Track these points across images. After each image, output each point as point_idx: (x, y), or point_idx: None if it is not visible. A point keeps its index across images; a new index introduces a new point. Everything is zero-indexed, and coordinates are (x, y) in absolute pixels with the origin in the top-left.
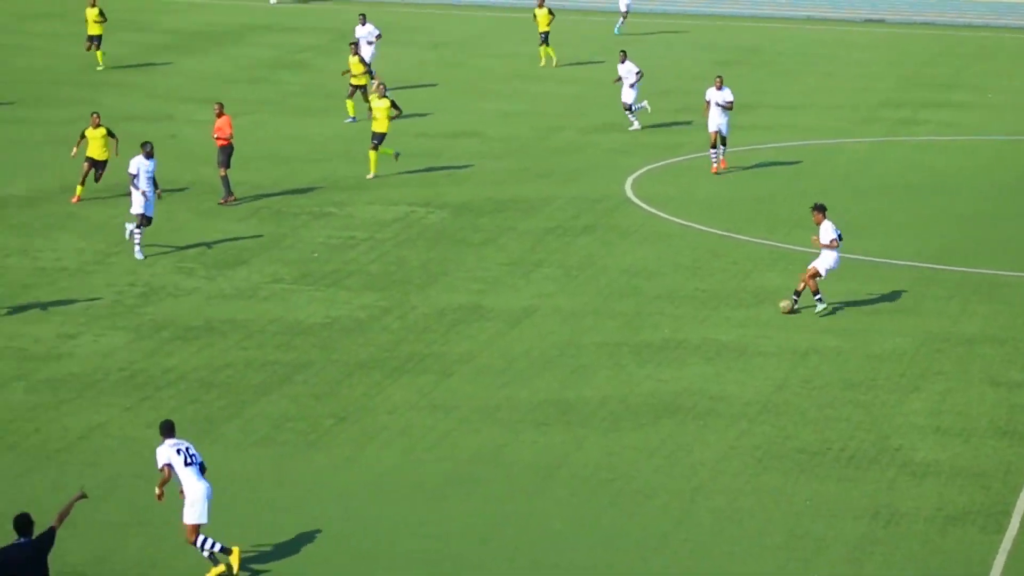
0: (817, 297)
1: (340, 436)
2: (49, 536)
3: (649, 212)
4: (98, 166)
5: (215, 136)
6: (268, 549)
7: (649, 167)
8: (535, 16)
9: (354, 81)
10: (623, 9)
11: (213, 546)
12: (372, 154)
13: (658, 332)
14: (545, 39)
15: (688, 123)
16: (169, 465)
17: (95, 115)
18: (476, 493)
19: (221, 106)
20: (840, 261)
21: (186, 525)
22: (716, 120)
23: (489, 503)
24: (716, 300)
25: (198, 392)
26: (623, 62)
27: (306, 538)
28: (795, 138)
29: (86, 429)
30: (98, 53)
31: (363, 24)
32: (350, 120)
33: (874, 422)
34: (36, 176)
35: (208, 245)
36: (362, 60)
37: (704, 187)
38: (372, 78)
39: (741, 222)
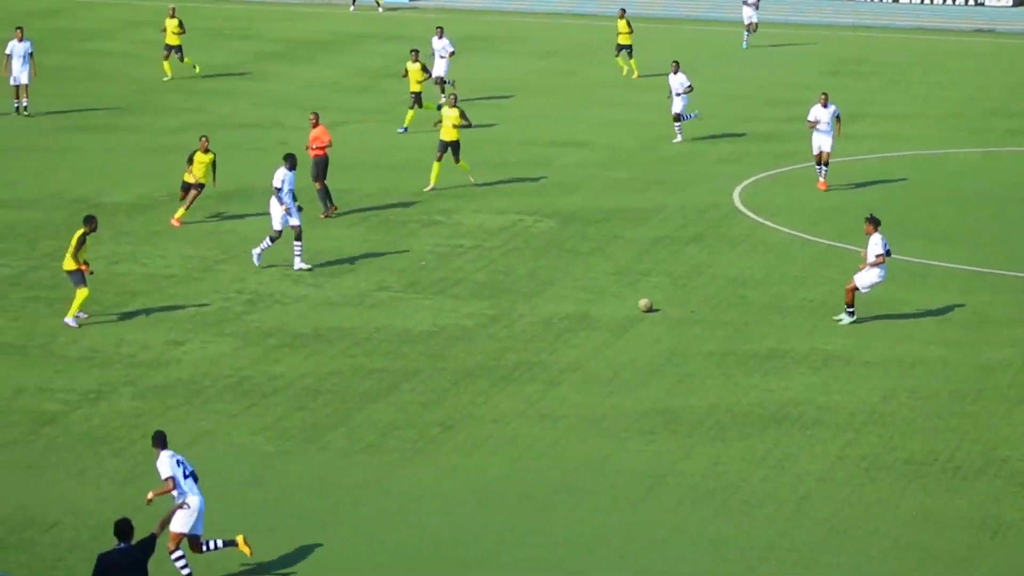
0: (849, 310)
1: (446, 444)
2: (150, 543)
3: (757, 221)
4: (197, 188)
5: (311, 147)
6: (374, 557)
7: (757, 177)
8: (617, 27)
9: (413, 88)
10: (746, 21)
11: (215, 545)
12: (435, 165)
13: (765, 342)
14: (623, 50)
15: (796, 133)
16: (172, 477)
17: (204, 139)
18: (582, 502)
19: (317, 116)
20: (885, 276)
21: (172, 532)
22: (820, 139)
23: (595, 512)
24: (823, 310)
25: (304, 399)
26: (675, 73)
27: (412, 547)
28: (903, 148)
29: (193, 436)
30: (187, 60)
31: (440, 37)
32: (401, 131)
33: (981, 433)
34: (144, 184)
35: (315, 252)
36: (424, 68)
37: (812, 197)
38: (443, 89)
39: (849, 232)
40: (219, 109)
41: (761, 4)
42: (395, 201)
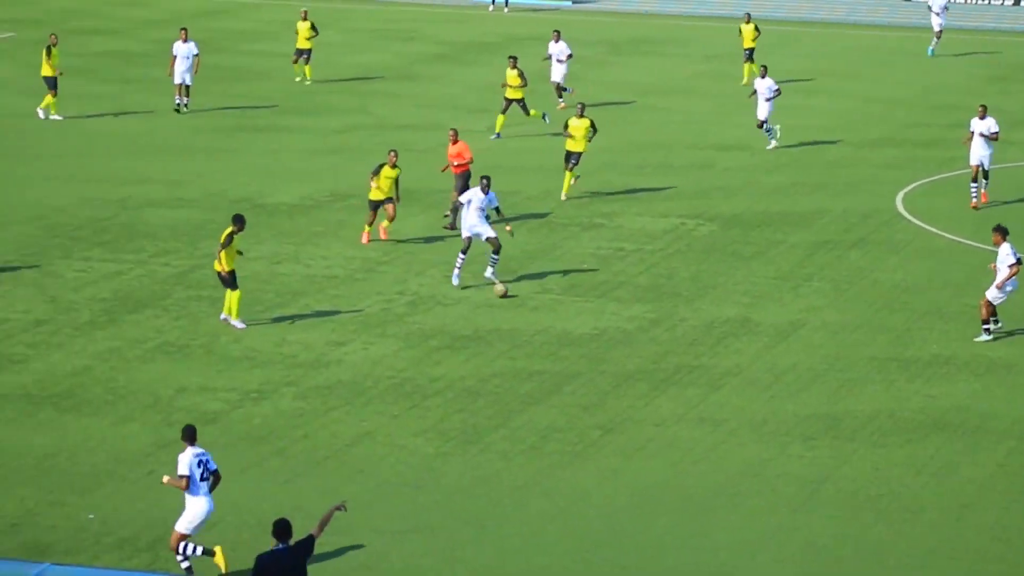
0: (986, 327)
1: (606, 447)
2: (308, 544)
3: (920, 227)
4: (380, 204)
5: (452, 164)
6: (533, 559)
7: (920, 182)
8: (740, 31)
9: (509, 95)
10: (936, 28)
11: (195, 551)
12: (568, 175)
13: (927, 347)
14: (750, 56)
15: (959, 139)
16: (188, 476)
17: (392, 153)
18: (742, 506)
19: (456, 132)
20: (1017, 285)
21: (175, 532)
22: (979, 152)
23: (755, 516)
24: None
25: (465, 401)
26: (763, 77)
27: (571, 549)
28: None
29: (354, 436)
30: (306, 68)
31: (556, 41)
32: (495, 137)
33: None
34: (306, 184)
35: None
36: (521, 74)
37: None
38: (560, 96)
39: (1013, 239)
40: (380, 110)
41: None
42: (557, 203)
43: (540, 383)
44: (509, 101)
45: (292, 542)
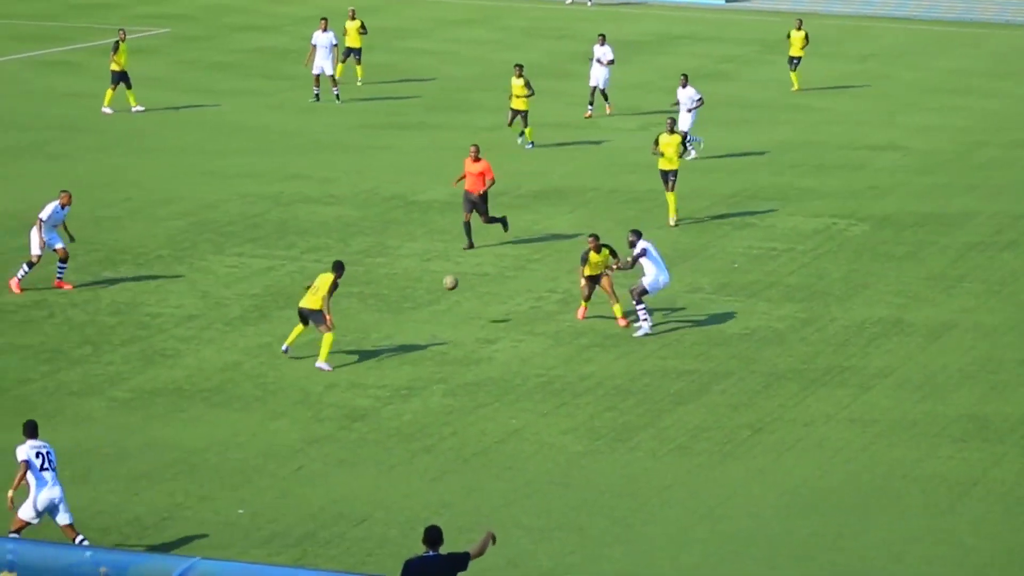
0: None
1: (755, 447)
2: (463, 560)
3: None
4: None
5: (464, 179)
6: (680, 558)
7: None
8: (789, 36)
9: (514, 105)
10: None
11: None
12: (671, 197)
13: None
14: (796, 63)
15: None
16: (27, 462)
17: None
18: (891, 507)
19: (477, 148)
20: None
21: (18, 516)
22: None
23: (904, 518)
24: None
25: (615, 399)
26: (684, 87)
27: (716, 548)
28: None
29: (503, 434)
30: (357, 68)
31: (602, 44)
32: (528, 146)
33: None
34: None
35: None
36: (528, 84)
37: None
38: (606, 98)
39: None
40: (532, 108)
41: None
42: (707, 202)
43: (690, 382)
44: (515, 112)
45: (443, 551)
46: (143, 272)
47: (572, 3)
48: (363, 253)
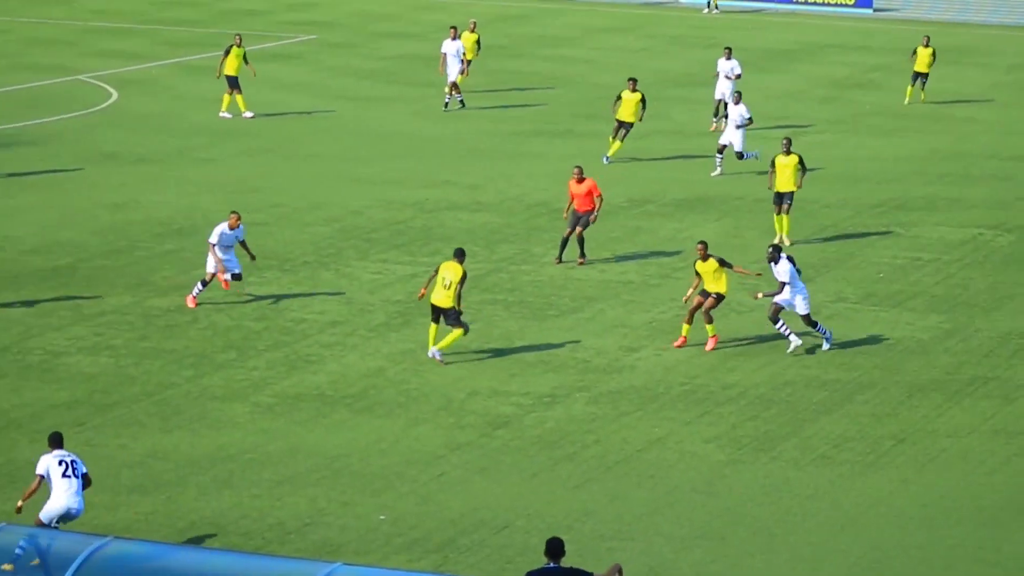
0: None
1: (898, 458)
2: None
3: None
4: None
5: (580, 207)
6: (821, 568)
7: None
8: (915, 53)
9: (623, 116)
10: None
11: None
12: (783, 219)
13: None
14: (921, 79)
15: None
16: (43, 476)
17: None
18: None
19: (581, 170)
20: None
21: (38, 517)
22: None
23: None
24: None
25: (758, 409)
26: (736, 103)
27: (858, 559)
28: None
29: (645, 442)
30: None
31: (728, 59)
32: (607, 161)
33: None
34: (604, 189)
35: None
36: (643, 100)
37: None
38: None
39: None
40: (679, 117)
41: None
42: (853, 212)
43: (833, 392)
44: (620, 124)
45: (566, 563)
46: (288, 277)
47: (708, 12)
48: (508, 260)
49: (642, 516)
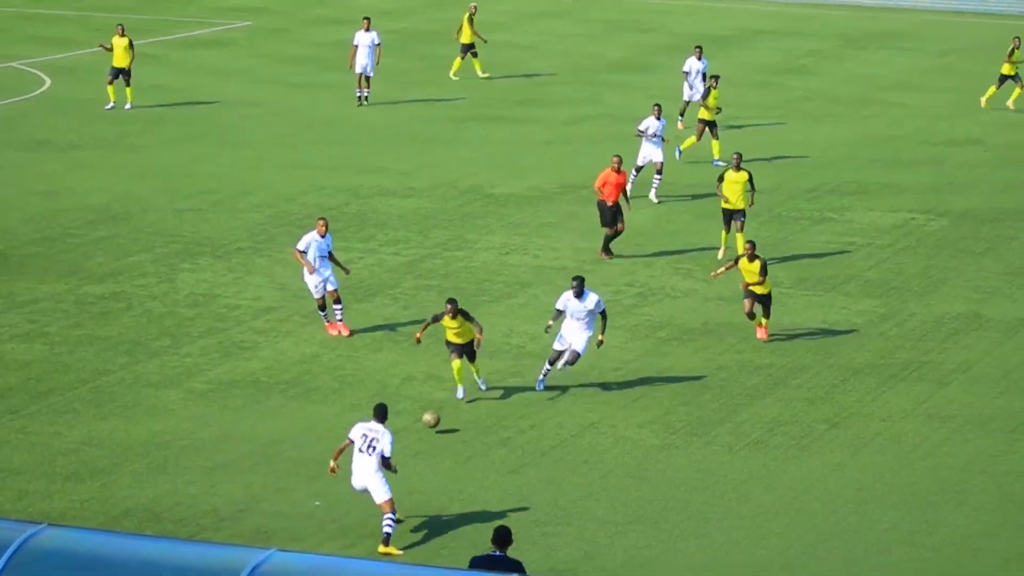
0: None
1: (832, 442)
2: (519, 569)
3: None
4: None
5: (602, 191)
6: (755, 553)
7: None
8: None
9: (704, 115)
10: None
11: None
12: (737, 237)
13: None
14: (1010, 80)
15: None
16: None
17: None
18: (968, 503)
19: (620, 160)
20: None
21: (387, 497)
22: None
23: (981, 513)
24: None
25: (691, 393)
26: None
27: (793, 542)
28: None
29: (579, 427)
30: (475, 62)
31: (699, 58)
32: (678, 154)
33: None
34: (536, 175)
35: (705, 249)
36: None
37: None
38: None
39: None
40: (612, 101)
41: None
42: (786, 196)
43: (767, 376)
44: (704, 123)
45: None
46: (221, 264)
47: None
48: (441, 246)
49: (577, 501)
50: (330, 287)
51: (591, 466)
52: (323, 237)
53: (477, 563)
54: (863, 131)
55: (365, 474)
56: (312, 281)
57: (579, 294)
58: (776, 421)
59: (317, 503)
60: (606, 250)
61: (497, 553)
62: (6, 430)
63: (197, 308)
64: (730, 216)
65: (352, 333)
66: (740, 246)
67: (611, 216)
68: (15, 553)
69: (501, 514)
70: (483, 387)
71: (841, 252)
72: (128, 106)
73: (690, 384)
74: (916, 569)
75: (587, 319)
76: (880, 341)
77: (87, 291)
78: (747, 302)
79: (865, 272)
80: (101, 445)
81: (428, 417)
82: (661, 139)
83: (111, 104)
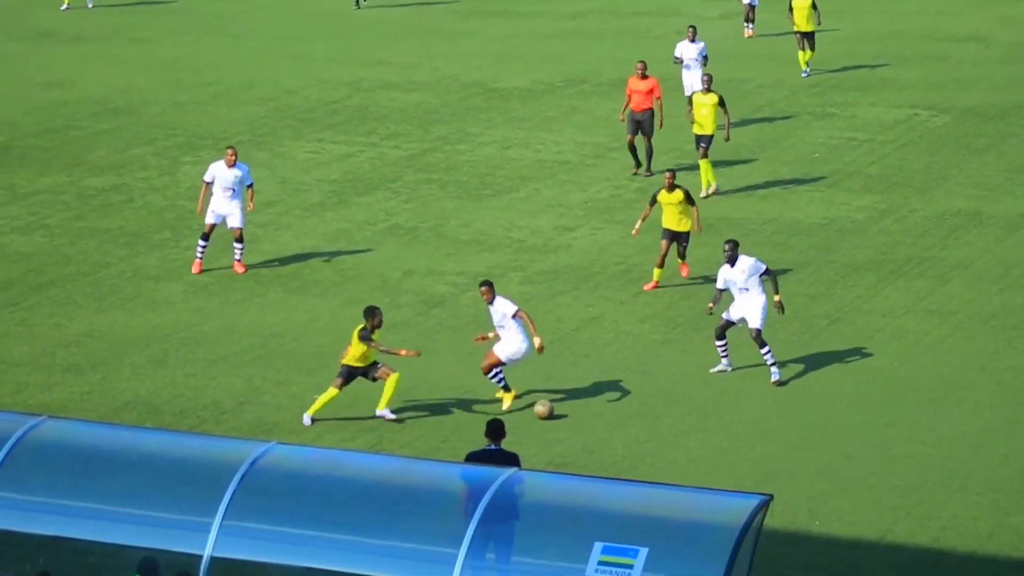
0: None
1: (833, 337)
2: (517, 461)
3: None
4: (678, 238)
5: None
6: (755, 449)
7: None
8: None
9: (800, 27)
10: None
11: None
12: (704, 164)
13: None
14: None
15: None
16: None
17: (669, 174)
18: (968, 399)
19: (644, 65)
20: None
21: (496, 355)
22: None
23: (980, 409)
24: None
25: (692, 288)
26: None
27: (792, 437)
28: None
29: (580, 322)
30: None
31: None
32: (804, 74)
33: None
34: (540, 69)
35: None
36: (815, 5)
37: None
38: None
39: None
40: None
41: None
42: (789, 92)
43: None
44: (802, 35)
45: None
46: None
47: None
48: (443, 140)
49: (576, 395)
50: (233, 224)
51: (591, 360)
52: (231, 168)
53: (473, 457)
54: (867, 27)
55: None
56: (209, 209)
57: (731, 259)
58: (776, 317)
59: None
60: (638, 163)
61: (492, 447)
62: (6, 322)
63: (198, 201)
64: (698, 141)
65: (247, 270)
66: (703, 177)
67: (634, 126)
68: (15, 445)
69: (500, 408)
70: (390, 416)
71: (843, 147)
72: (90, 3)
73: (691, 279)
74: (916, 464)
75: (751, 287)
76: (881, 237)
77: (88, 183)
78: (664, 244)
79: (867, 168)
80: (101, 337)
81: (540, 408)
82: (701, 63)
83: (65, 5)
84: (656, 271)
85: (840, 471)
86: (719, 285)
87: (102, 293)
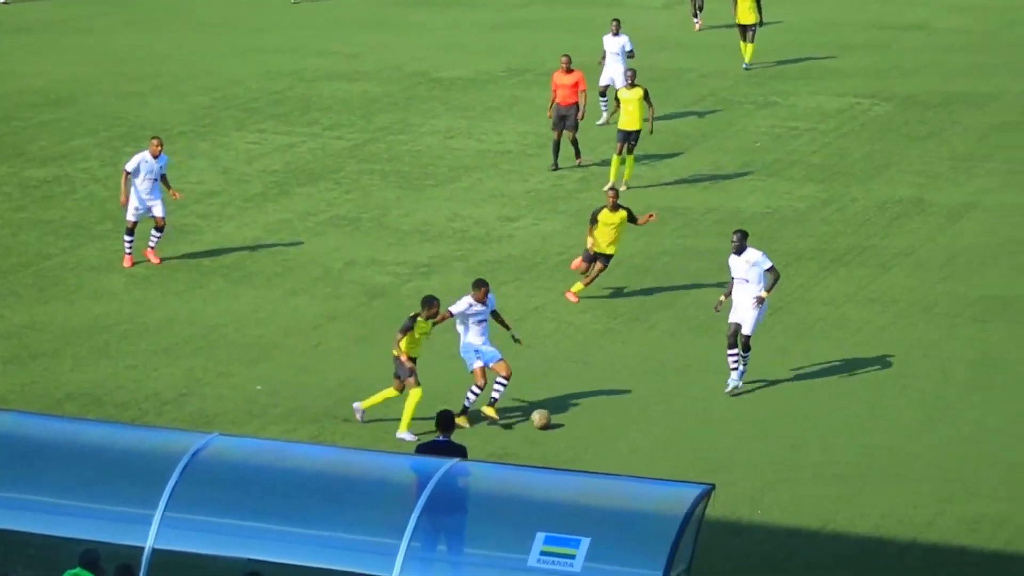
0: None
1: (775, 327)
2: (461, 453)
3: None
4: (600, 259)
5: (564, 100)
6: (701, 436)
7: None
8: None
9: (741, 19)
10: None
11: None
12: (615, 160)
13: None
14: None
15: None
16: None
17: (613, 193)
18: (911, 387)
19: (569, 59)
20: None
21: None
22: None
23: (924, 398)
24: None
25: (634, 279)
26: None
27: (738, 428)
28: None
29: (523, 312)
30: None
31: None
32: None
33: None
34: (483, 59)
35: (648, 133)
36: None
37: None
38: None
39: None
40: None
41: None
42: (732, 81)
43: (709, 261)
44: (743, 27)
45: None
46: (165, 148)
47: None
48: (385, 130)
49: (519, 385)
50: (157, 213)
51: (534, 351)
52: (156, 158)
53: (422, 449)
54: (809, 15)
55: None
56: (132, 204)
57: (739, 250)
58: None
59: (259, 387)
60: (557, 166)
61: (441, 438)
62: None
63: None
64: (625, 136)
65: (162, 261)
66: (613, 170)
67: (560, 121)
68: None
69: (443, 400)
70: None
71: (784, 136)
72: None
73: (632, 269)
74: (857, 453)
75: (751, 279)
76: (822, 226)
77: (30, 174)
78: (584, 265)
79: (808, 157)
80: (43, 329)
81: (537, 418)
82: (624, 56)
83: None
84: (579, 285)
85: (782, 460)
86: (733, 275)
87: (44, 284)
